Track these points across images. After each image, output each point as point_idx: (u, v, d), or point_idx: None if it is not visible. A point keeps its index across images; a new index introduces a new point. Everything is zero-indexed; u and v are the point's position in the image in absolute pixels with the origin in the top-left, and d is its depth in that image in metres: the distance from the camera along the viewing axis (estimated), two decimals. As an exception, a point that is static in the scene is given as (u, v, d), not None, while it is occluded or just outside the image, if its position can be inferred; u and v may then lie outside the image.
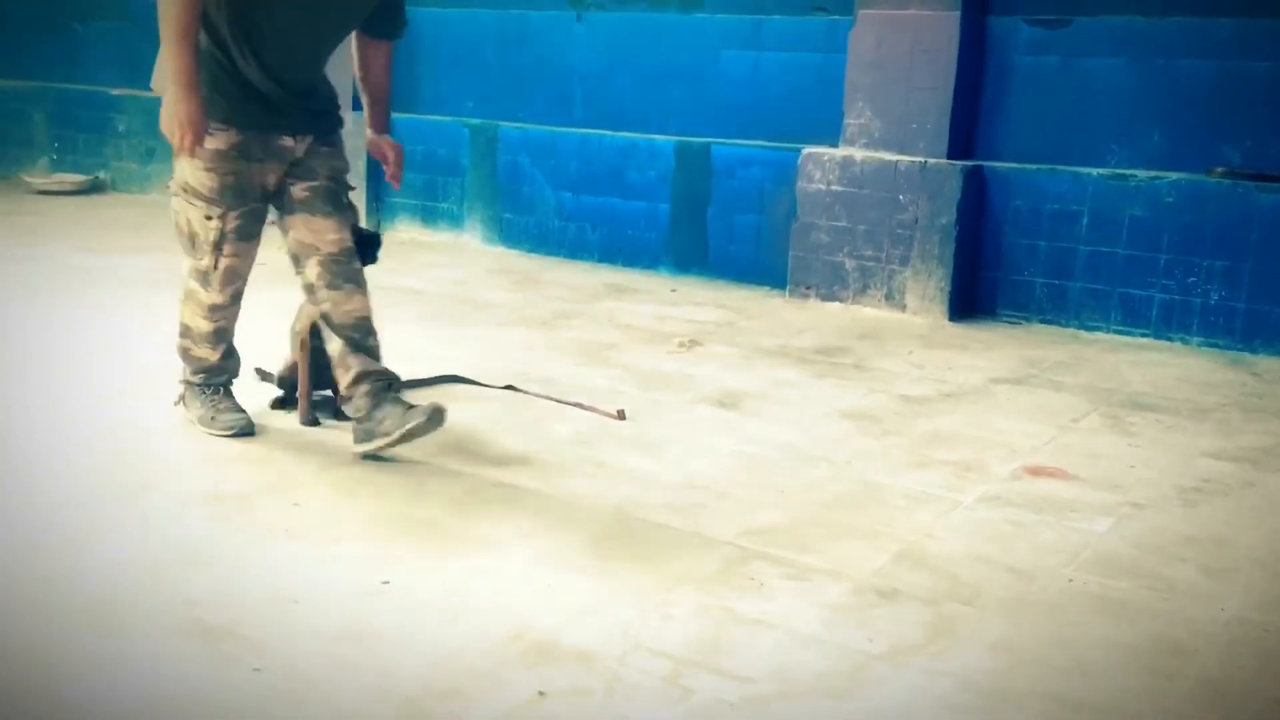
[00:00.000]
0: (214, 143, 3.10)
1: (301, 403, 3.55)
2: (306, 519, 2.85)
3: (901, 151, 5.72)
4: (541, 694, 2.06)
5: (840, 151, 5.87)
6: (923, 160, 5.63)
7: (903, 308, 5.72)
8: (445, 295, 5.74)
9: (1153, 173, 5.31)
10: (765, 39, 6.35)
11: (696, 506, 3.04)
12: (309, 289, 3.30)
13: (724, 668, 2.21)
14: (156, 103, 3.02)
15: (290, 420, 3.57)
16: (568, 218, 6.97)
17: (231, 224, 3.19)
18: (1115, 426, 3.99)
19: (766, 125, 6.34)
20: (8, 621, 2.26)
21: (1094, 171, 5.44)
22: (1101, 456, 3.64)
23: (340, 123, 3.38)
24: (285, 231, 3.31)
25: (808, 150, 5.93)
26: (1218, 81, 5.24)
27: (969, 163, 5.65)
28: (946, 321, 5.60)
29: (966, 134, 5.78)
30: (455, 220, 7.38)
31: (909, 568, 2.71)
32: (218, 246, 3.20)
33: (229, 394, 3.49)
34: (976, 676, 2.22)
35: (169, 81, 2.94)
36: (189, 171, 3.15)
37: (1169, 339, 5.28)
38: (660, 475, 3.20)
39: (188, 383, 3.48)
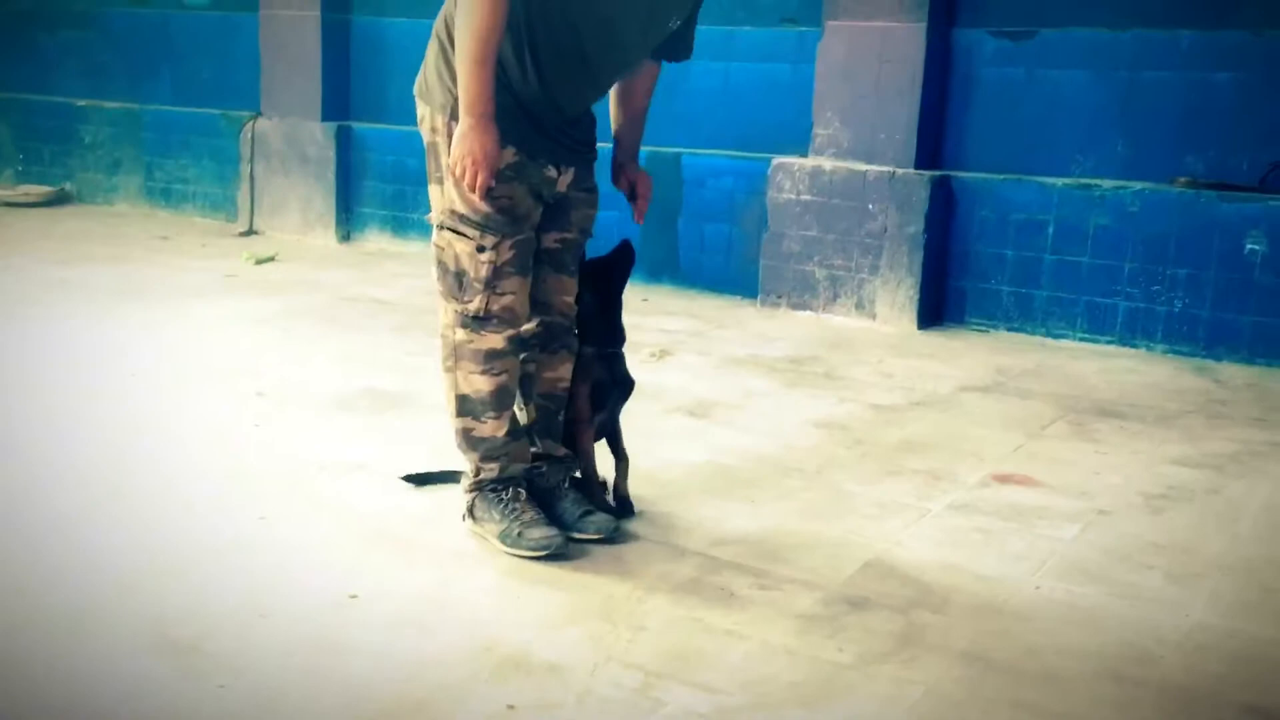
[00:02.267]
0: None
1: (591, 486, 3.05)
2: (274, 532, 2.83)
3: (870, 161, 5.76)
4: (511, 708, 2.06)
5: (810, 161, 5.90)
6: (891, 170, 5.67)
7: (873, 316, 5.75)
8: (417, 306, 5.71)
9: (1117, 182, 5.37)
10: (735, 50, 6.38)
11: (667, 517, 3.04)
12: (511, 339, 2.81)
13: (695, 679, 2.21)
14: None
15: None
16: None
17: (506, 255, 2.70)
18: (1082, 434, 4.02)
19: (737, 135, 6.37)
20: (-30, 640, 2.23)
21: (1059, 181, 5.49)
22: (1068, 464, 3.67)
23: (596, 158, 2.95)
24: None
25: (778, 160, 5.96)
26: (1181, 92, 5.31)
27: (937, 173, 5.70)
28: (916, 330, 5.63)
29: (934, 144, 5.82)
30: (427, 231, 7.30)
31: (879, 576, 2.72)
32: (490, 283, 2.70)
33: (531, 500, 2.85)
34: (946, 685, 2.24)
35: (462, 109, 2.56)
36: (458, 197, 2.69)
37: (1134, 346, 5.33)
38: (631, 486, 3.20)
39: (477, 487, 2.85)
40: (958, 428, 4.06)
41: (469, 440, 2.83)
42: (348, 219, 7.59)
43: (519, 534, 2.75)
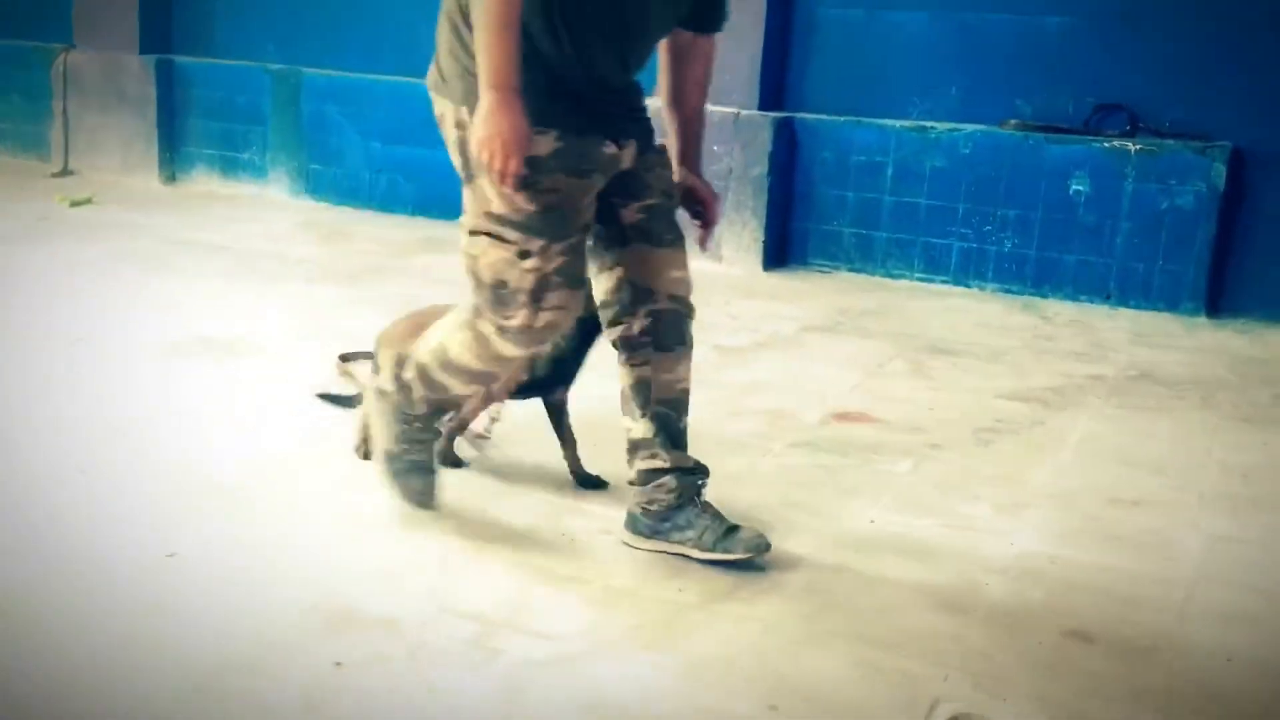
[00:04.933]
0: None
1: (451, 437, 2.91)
2: (93, 487, 2.67)
3: (715, 102, 5.68)
4: (339, 665, 1.98)
5: (654, 102, 5.82)
6: (736, 111, 5.66)
7: (719, 258, 5.77)
8: (250, 250, 5.47)
9: (951, 125, 5.50)
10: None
11: (509, 465, 2.99)
12: (626, 344, 2.50)
13: (534, 627, 2.17)
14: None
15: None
16: (379, 169, 6.74)
17: (555, 261, 2.30)
18: (917, 371, 4.13)
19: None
20: None
21: (897, 123, 5.59)
22: (904, 400, 3.76)
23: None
24: (607, 268, 2.49)
25: (622, 100, 5.89)
26: (1013, 36, 5.44)
27: (780, 114, 5.73)
28: (761, 271, 5.68)
29: (777, 86, 5.84)
30: (258, 172, 7.04)
31: (720, 516, 2.73)
32: (537, 296, 2.31)
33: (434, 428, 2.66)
34: (786, 621, 2.26)
35: (483, 84, 2.17)
36: (494, 195, 2.29)
37: (967, 285, 5.50)
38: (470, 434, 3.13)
39: (401, 392, 2.57)
40: (801, 368, 4.12)
41: (423, 382, 2.52)
42: (172, 159, 7.19)
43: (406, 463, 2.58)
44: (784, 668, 2.09)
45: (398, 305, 4.61)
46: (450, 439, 2.92)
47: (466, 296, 2.40)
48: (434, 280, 5.08)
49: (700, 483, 2.57)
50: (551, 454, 2.94)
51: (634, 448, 2.55)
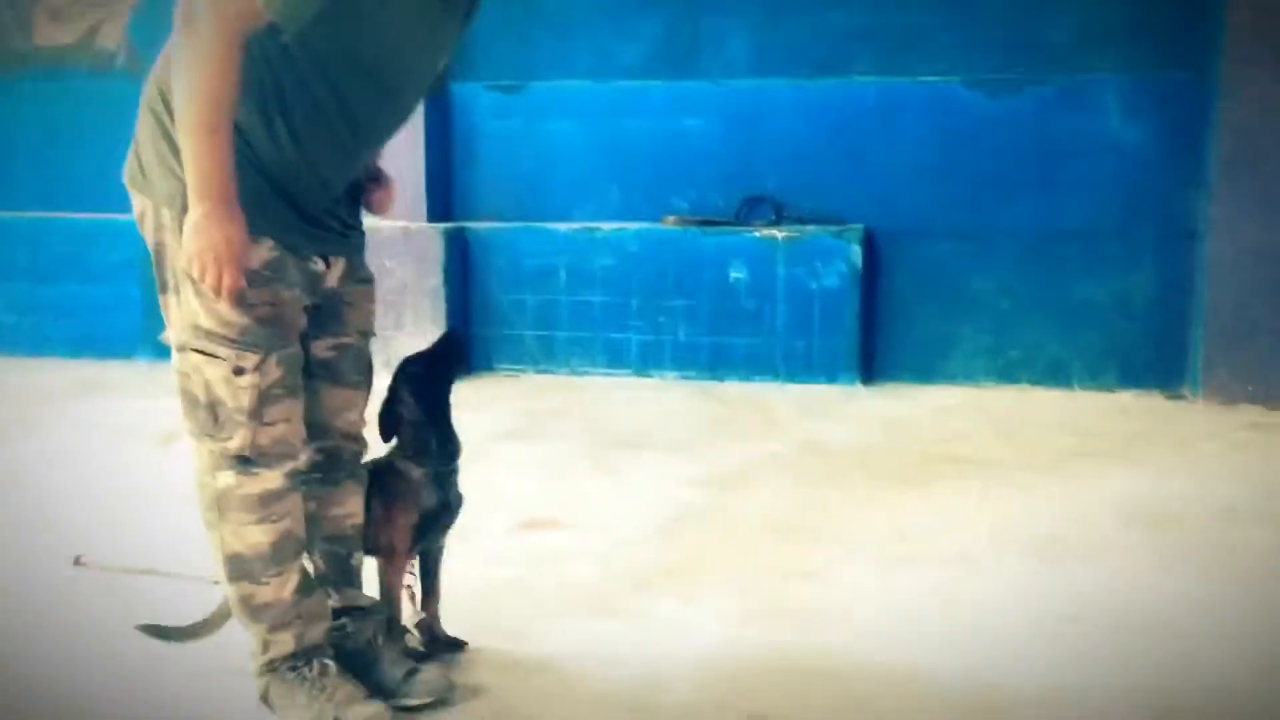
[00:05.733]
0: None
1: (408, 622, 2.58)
2: None
3: (382, 217, 5.69)
4: None
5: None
6: (405, 225, 5.65)
7: (403, 373, 5.68)
8: None
9: (616, 224, 5.72)
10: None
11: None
12: (290, 474, 2.23)
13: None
14: None
15: None
16: (22, 311, 6.22)
17: (272, 375, 2.14)
18: (604, 468, 4.20)
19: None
20: None
21: (565, 226, 5.75)
22: (591, 500, 3.80)
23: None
24: None
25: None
26: (659, 138, 5.76)
27: (450, 225, 5.76)
28: (447, 382, 5.63)
29: (444, 196, 5.91)
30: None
31: (412, 641, 2.62)
32: (255, 413, 2.13)
33: (342, 670, 2.30)
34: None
35: (193, 195, 1.98)
36: (201, 309, 2.10)
37: (648, 376, 5.69)
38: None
39: (270, 668, 2.27)
40: (488, 479, 4.06)
41: (250, 610, 2.23)
42: None
43: (335, 718, 2.21)
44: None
45: (58, 463, 4.25)
46: (427, 632, 2.61)
47: (182, 422, 2.20)
48: (96, 427, 4.72)
49: (382, 621, 2.46)
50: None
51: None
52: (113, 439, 4.56)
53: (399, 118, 2.30)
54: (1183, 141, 5.22)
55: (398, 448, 2.50)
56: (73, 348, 6.17)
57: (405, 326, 5.65)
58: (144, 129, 2.17)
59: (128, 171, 2.20)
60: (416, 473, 2.47)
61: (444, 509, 2.53)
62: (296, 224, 2.16)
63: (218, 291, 2.04)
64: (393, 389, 2.48)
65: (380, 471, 2.50)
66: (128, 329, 6.10)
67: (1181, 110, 5.22)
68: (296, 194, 2.15)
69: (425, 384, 2.47)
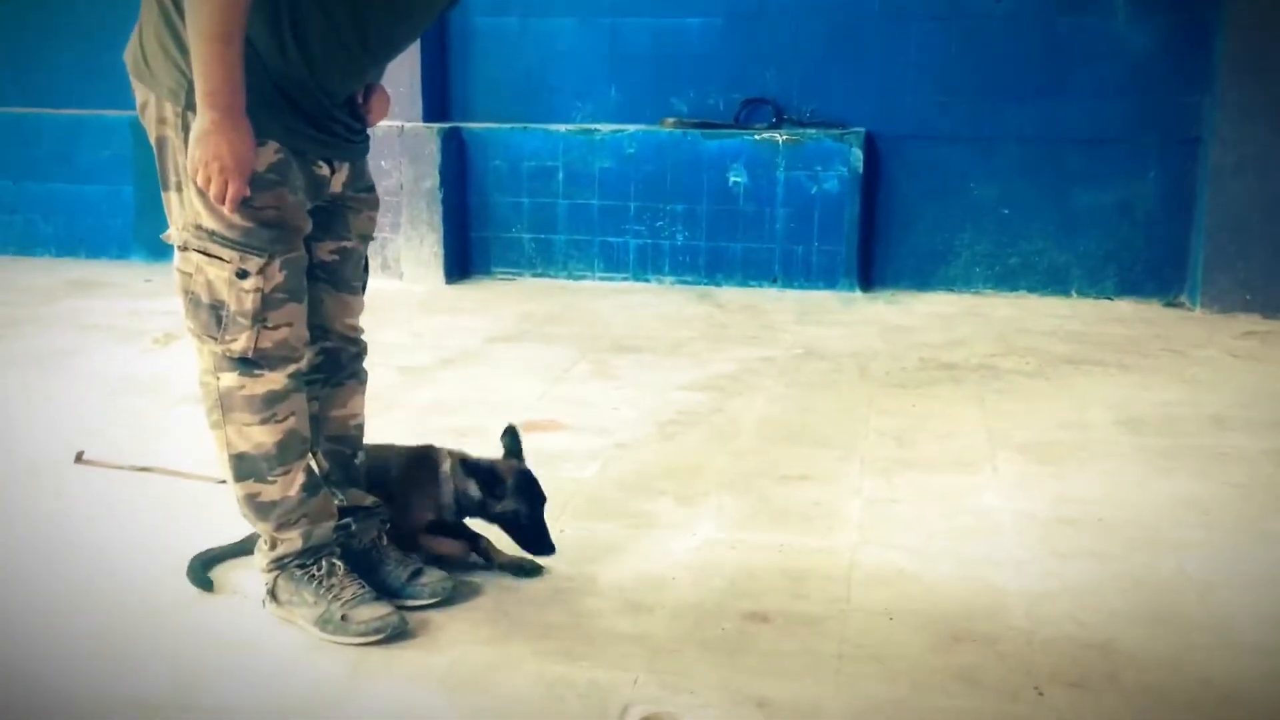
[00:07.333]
0: None
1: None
2: None
3: (377, 117, 5.61)
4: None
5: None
6: (400, 125, 5.57)
7: (400, 276, 5.67)
8: None
9: (614, 126, 5.64)
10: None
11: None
12: (293, 375, 2.23)
13: (202, 703, 2.04)
14: None
15: None
16: (11, 210, 6.16)
17: (276, 278, 2.13)
18: (602, 372, 4.21)
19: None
20: None
21: (563, 128, 5.67)
22: (590, 403, 3.82)
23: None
24: None
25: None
26: (659, 38, 5.65)
27: (446, 125, 5.68)
28: (444, 285, 5.63)
29: (441, 97, 5.81)
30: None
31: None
32: (259, 316, 2.12)
33: (350, 569, 2.32)
34: (473, 652, 2.23)
35: (201, 102, 1.97)
36: (203, 209, 2.08)
37: (646, 280, 5.67)
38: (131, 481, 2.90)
39: (278, 564, 2.30)
40: (487, 381, 4.10)
41: (257, 508, 2.25)
42: None
43: (342, 617, 2.22)
44: (472, 700, 2.07)
45: (49, 361, 4.25)
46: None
47: (183, 321, 2.21)
48: (86, 326, 4.71)
49: (382, 523, 2.48)
50: (210, 517, 2.78)
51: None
52: (108, 339, 4.55)
53: (412, 36, 2.29)
54: (1189, 44, 5.14)
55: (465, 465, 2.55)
56: (62, 247, 6.13)
57: (402, 229, 5.62)
58: (148, 14, 2.13)
59: (130, 59, 2.17)
60: (446, 464, 2.54)
61: (459, 528, 2.60)
62: (302, 128, 2.15)
63: (222, 199, 2.03)
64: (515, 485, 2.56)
65: (414, 459, 2.58)
66: (120, 228, 6.05)
67: (1189, 11, 5.13)
68: (300, 99, 2.13)
69: (530, 489, 2.59)
